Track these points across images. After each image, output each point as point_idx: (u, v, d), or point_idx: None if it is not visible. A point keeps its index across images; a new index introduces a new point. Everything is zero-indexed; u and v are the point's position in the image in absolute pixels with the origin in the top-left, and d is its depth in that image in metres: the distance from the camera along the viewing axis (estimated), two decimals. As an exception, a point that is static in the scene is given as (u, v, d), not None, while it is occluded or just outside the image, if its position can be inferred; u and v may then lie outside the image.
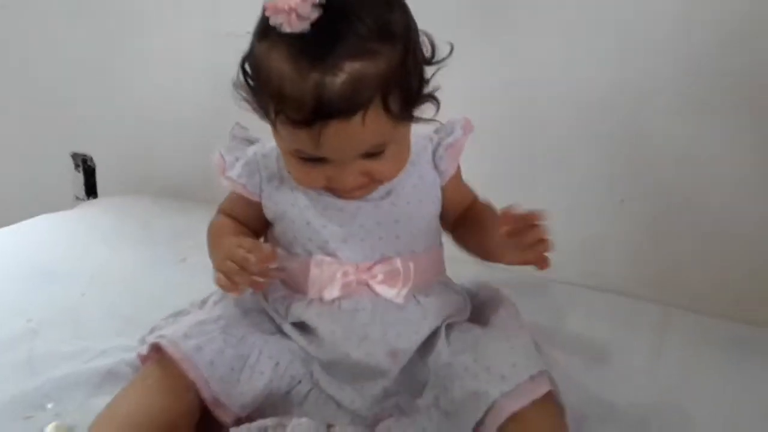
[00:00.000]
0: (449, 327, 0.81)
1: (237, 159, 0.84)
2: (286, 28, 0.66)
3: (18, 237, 1.31)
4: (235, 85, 0.74)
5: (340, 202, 0.79)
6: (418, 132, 0.81)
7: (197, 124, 1.54)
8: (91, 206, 1.54)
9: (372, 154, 0.72)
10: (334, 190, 0.76)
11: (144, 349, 0.78)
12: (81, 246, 1.28)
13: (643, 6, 1.08)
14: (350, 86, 0.65)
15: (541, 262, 0.71)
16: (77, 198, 1.75)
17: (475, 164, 0.86)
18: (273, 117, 0.70)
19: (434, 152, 0.83)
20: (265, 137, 0.82)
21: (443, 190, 0.85)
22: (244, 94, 0.74)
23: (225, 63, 1.38)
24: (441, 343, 0.79)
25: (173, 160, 1.60)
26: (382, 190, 0.80)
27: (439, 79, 0.80)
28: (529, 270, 1.17)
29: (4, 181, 1.81)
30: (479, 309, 0.87)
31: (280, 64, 0.67)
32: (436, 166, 0.83)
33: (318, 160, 0.72)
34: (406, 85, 0.70)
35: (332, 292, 0.78)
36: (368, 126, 0.67)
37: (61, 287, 1.10)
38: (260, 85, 0.71)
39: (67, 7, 1.62)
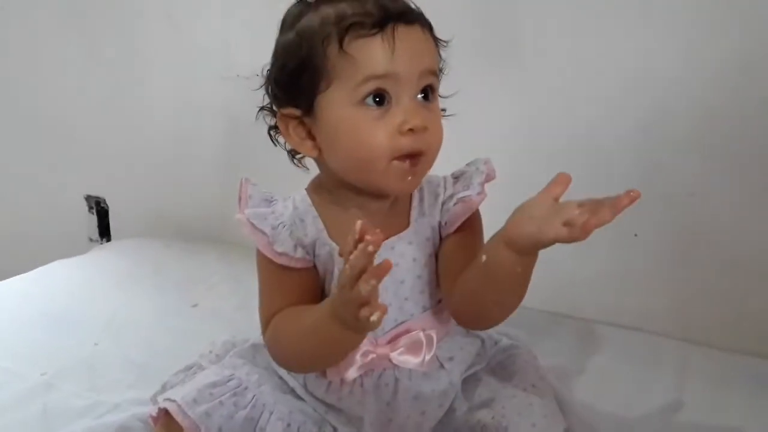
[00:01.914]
0: (465, 380, 0.79)
1: (276, 228, 0.75)
2: None
3: (33, 285, 1.31)
4: (268, 82, 0.75)
5: None
6: (431, 179, 0.79)
7: (210, 166, 1.55)
8: (103, 250, 1.54)
9: (426, 95, 0.72)
10: (399, 153, 0.69)
11: (154, 411, 0.77)
12: (94, 292, 1.28)
13: (650, 44, 1.07)
14: (404, 3, 0.72)
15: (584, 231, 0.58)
16: (91, 240, 1.77)
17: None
18: (340, 41, 0.68)
19: (444, 203, 0.78)
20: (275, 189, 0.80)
21: (444, 240, 0.78)
22: (279, 90, 0.74)
23: (238, 106, 1.40)
24: (458, 398, 0.77)
25: (186, 201, 1.61)
26: (387, 245, 0.73)
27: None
28: (546, 307, 1.18)
29: (19, 223, 1.83)
30: (499, 357, 0.84)
31: (334, 5, 0.70)
32: (441, 217, 0.78)
33: (383, 103, 0.69)
34: (436, 45, 0.74)
35: (353, 374, 0.73)
36: (428, 40, 0.72)
37: (75, 336, 1.10)
38: (312, 42, 0.70)
39: (80, 50, 1.65)
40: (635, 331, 1.12)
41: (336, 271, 0.74)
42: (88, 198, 1.76)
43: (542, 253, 1.20)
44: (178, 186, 1.61)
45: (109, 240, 1.75)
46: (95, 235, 1.77)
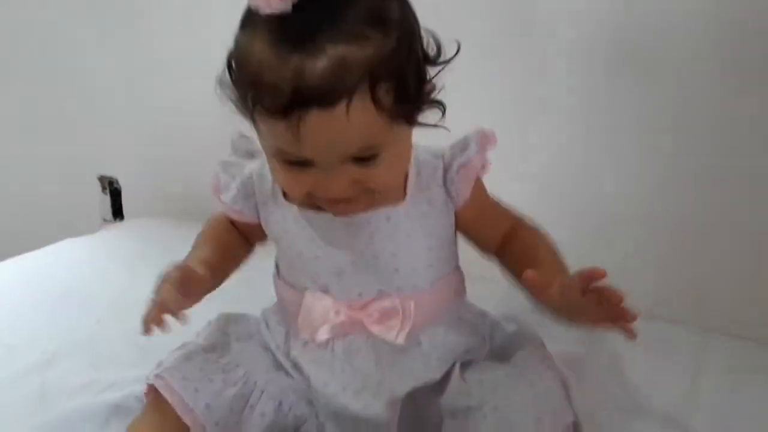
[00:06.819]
0: (464, 364, 0.76)
1: (233, 178, 0.81)
2: (266, 10, 0.59)
3: (41, 262, 1.31)
4: (220, 82, 0.68)
5: (334, 232, 0.73)
6: (430, 150, 0.76)
7: (223, 147, 1.53)
8: (114, 230, 1.54)
9: (363, 159, 0.64)
10: (320, 200, 0.68)
11: (146, 388, 0.77)
12: (102, 271, 1.27)
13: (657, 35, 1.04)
14: (332, 71, 0.58)
15: (626, 320, 0.64)
16: (104, 220, 1.77)
17: (491, 180, 0.79)
18: (251, 110, 0.63)
19: (445, 173, 0.74)
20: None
21: (460, 215, 0.76)
22: (229, 93, 0.67)
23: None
24: (455, 383, 0.73)
25: (199, 182, 1.59)
26: (381, 215, 0.72)
27: (449, 94, 0.75)
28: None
29: (33, 203, 1.83)
30: (503, 343, 0.80)
31: (259, 49, 0.61)
32: (447, 190, 0.75)
33: (304, 164, 0.64)
34: (400, 76, 0.62)
35: (323, 334, 0.73)
36: (354, 121, 0.60)
37: (79, 314, 1.10)
38: (241, 76, 0.65)
39: (93, 29, 1.64)
40: (651, 318, 1.08)
41: (287, 237, 0.77)
42: (101, 178, 1.76)
43: (557, 238, 1.18)
44: (190, 167, 1.60)
45: (122, 220, 1.75)
46: (108, 215, 1.77)
